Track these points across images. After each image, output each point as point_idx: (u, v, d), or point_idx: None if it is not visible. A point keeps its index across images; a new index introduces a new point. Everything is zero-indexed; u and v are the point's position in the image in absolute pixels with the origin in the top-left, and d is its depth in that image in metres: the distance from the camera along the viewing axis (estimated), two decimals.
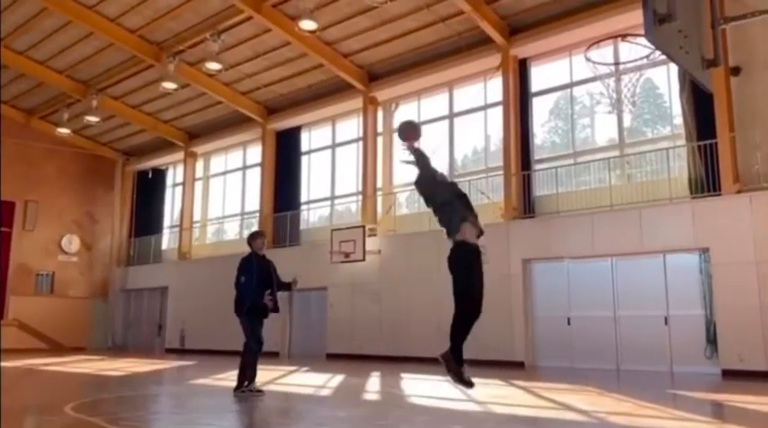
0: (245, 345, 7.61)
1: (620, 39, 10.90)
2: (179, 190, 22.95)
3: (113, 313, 23.24)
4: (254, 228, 19.67)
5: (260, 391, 7.61)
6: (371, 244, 15.67)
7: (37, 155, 21.85)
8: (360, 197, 17.06)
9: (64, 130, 21.11)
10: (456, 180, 15.85)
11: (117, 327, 23.14)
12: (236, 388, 7.51)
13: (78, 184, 23.25)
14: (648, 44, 4.85)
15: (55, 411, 6.34)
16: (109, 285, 23.59)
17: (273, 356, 16.88)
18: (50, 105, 21.15)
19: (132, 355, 18.39)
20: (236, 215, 21.29)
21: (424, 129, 18.36)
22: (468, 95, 16.00)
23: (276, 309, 7.81)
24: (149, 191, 23.69)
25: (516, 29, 14.34)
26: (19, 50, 18.18)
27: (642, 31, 4.45)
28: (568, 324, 12.89)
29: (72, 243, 22.81)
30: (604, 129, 14.23)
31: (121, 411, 6.91)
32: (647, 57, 9.52)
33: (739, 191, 11.27)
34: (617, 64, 11.50)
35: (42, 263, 22.11)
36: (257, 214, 19.51)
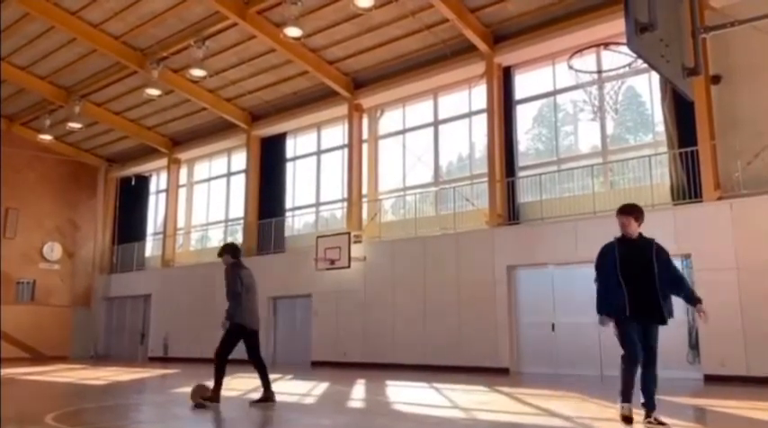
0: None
1: (602, 47, 11.03)
2: (162, 196, 22.80)
3: (96, 321, 23.00)
4: (239, 235, 19.63)
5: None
6: (357, 250, 15.66)
7: (18, 161, 21.60)
8: (345, 204, 17.05)
9: (46, 137, 20.91)
10: (441, 186, 16.00)
11: (99, 336, 22.90)
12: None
13: (60, 191, 23.03)
14: (630, 52, 4.89)
15: (36, 421, 6.26)
16: (91, 293, 23.35)
17: None
18: (32, 111, 20.93)
19: (115, 364, 18.20)
20: (220, 222, 21.18)
21: (410, 136, 18.38)
22: (452, 103, 16.11)
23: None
24: (132, 197, 23.53)
25: (500, 37, 14.45)
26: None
27: (624, 40, 4.49)
28: (553, 330, 12.95)
29: (54, 250, 22.56)
30: (587, 137, 14.37)
31: (103, 420, 6.83)
32: (628, 65, 9.64)
33: (720, 198, 11.42)
34: (599, 72, 11.64)
35: (23, 271, 21.84)
36: (242, 221, 19.44)
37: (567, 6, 13.29)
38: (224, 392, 8.39)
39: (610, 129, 13.88)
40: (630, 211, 5.95)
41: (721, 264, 10.97)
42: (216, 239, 21.38)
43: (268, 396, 7.55)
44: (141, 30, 16.13)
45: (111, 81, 18.64)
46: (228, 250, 7.82)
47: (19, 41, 17.20)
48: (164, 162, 22.20)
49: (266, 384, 7.59)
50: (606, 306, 5.74)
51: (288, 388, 10.41)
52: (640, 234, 5.96)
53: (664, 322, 5.64)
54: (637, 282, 5.61)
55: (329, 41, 15.56)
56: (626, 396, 5.79)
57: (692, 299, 5.66)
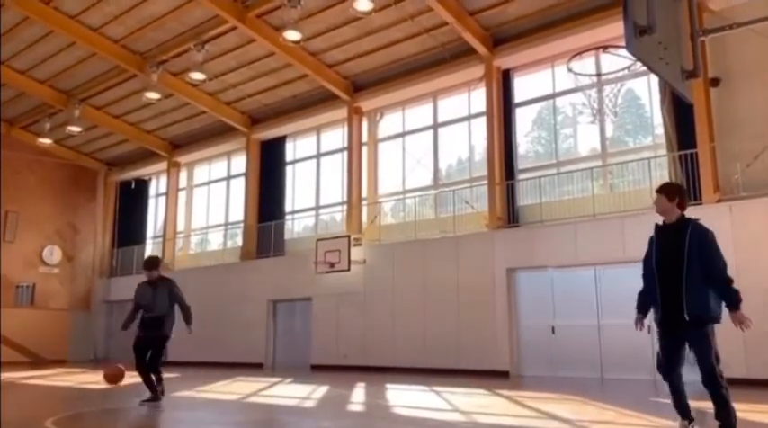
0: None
1: (601, 50, 11.04)
2: (162, 200, 22.80)
3: (95, 325, 22.96)
4: (239, 239, 19.61)
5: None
6: (356, 253, 15.66)
7: (18, 165, 21.59)
8: (345, 207, 17.06)
9: (45, 140, 20.93)
10: (441, 189, 16.01)
11: (99, 339, 22.85)
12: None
13: (60, 195, 23.03)
14: (629, 55, 4.89)
15: (36, 425, 6.25)
16: (91, 296, 23.33)
17: (257, 367, 16.77)
18: (32, 115, 20.94)
19: None
20: (220, 225, 21.18)
21: (409, 139, 18.32)
22: (452, 106, 16.12)
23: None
24: (132, 201, 23.52)
25: (499, 40, 14.47)
26: None
27: (623, 43, 4.49)
28: (552, 332, 12.94)
29: (53, 254, 22.55)
30: (587, 139, 14.38)
31: (103, 424, 6.83)
32: (628, 68, 9.65)
33: (719, 201, 11.42)
34: (599, 75, 11.63)
35: (23, 275, 21.83)
36: (241, 224, 19.44)
37: (567, 9, 13.31)
38: (223, 395, 8.35)
39: (609, 132, 13.89)
40: (660, 188, 5.07)
41: None
42: (216, 242, 21.37)
43: (156, 396, 8.10)
44: (141, 33, 16.14)
45: (110, 84, 18.65)
46: (159, 264, 8.57)
47: (18, 45, 17.22)
48: (163, 165, 22.21)
49: (154, 386, 8.20)
50: (641, 305, 5.15)
51: (288, 392, 10.41)
52: (682, 215, 5.10)
53: (690, 324, 4.84)
54: (667, 275, 4.86)
55: (329, 45, 15.59)
56: (680, 412, 5.17)
57: (727, 301, 4.89)
